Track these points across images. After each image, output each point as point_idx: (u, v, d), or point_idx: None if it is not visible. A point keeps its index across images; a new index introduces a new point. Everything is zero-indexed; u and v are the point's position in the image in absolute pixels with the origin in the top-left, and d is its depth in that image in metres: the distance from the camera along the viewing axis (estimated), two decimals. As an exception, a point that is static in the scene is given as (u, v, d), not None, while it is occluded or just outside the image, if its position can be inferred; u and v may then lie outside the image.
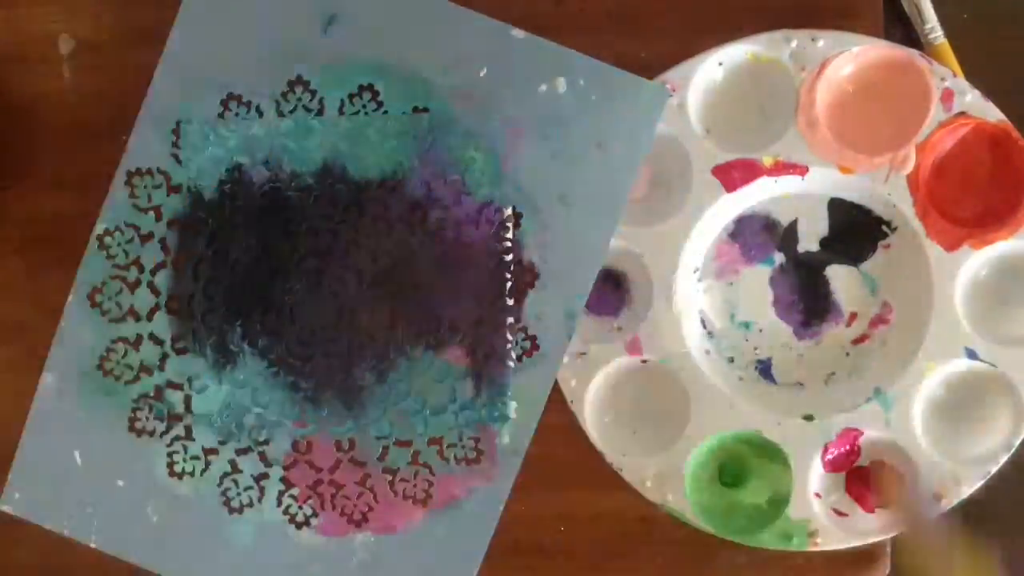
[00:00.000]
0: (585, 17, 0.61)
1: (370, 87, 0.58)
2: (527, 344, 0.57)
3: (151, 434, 0.59)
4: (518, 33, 0.57)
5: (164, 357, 0.59)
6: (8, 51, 0.63)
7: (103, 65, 0.62)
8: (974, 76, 0.59)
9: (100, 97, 0.62)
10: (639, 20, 0.61)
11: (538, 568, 0.62)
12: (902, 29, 0.61)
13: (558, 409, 0.58)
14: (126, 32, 0.62)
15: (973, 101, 0.56)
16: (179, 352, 0.59)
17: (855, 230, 0.58)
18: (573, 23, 0.61)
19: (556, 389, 0.58)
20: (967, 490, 0.56)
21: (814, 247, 0.59)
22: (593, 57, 0.58)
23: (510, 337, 0.57)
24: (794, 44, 0.56)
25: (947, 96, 0.56)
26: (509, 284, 0.57)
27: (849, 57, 0.56)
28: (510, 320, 0.57)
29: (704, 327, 0.59)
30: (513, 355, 0.58)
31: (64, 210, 0.62)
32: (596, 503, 0.61)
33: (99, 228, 0.60)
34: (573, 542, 0.62)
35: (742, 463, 0.59)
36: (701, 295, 0.59)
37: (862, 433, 0.57)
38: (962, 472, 0.56)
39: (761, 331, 0.59)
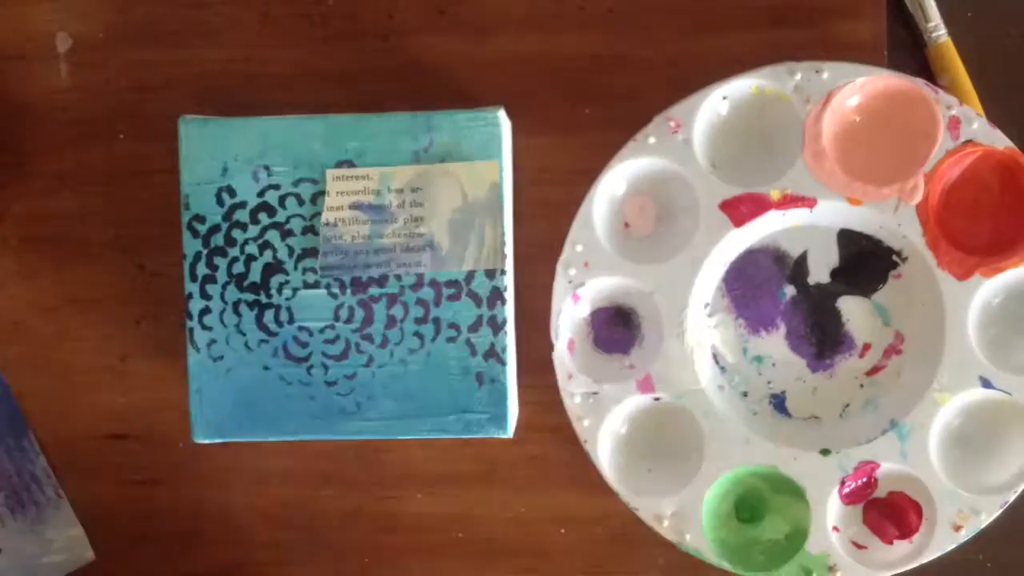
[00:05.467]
0: (585, 15, 0.61)
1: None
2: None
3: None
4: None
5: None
6: (5, 49, 0.63)
7: (101, 63, 0.63)
8: (977, 75, 0.59)
9: (97, 95, 0.63)
10: (640, 18, 0.61)
11: (539, 570, 0.62)
12: (905, 28, 0.60)
13: (557, 411, 0.58)
14: (124, 30, 0.63)
15: (980, 129, 0.55)
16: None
17: (866, 261, 0.58)
18: (573, 21, 0.61)
19: (555, 393, 0.58)
20: (986, 520, 0.56)
21: (825, 279, 0.59)
22: (592, 56, 0.60)
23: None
24: (798, 77, 0.56)
25: (954, 124, 0.56)
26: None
27: (854, 88, 0.56)
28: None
29: (717, 362, 0.59)
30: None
31: (61, 209, 0.63)
32: (596, 504, 0.61)
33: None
34: (573, 544, 0.62)
35: (759, 499, 0.58)
36: (712, 330, 0.59)
37: (879, 466, 0.57)
38: (980, 502, 0.56)
39: (774, 365, 0.59)
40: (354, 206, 0.57)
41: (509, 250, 0.58)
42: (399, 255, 0.57)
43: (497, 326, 0.58)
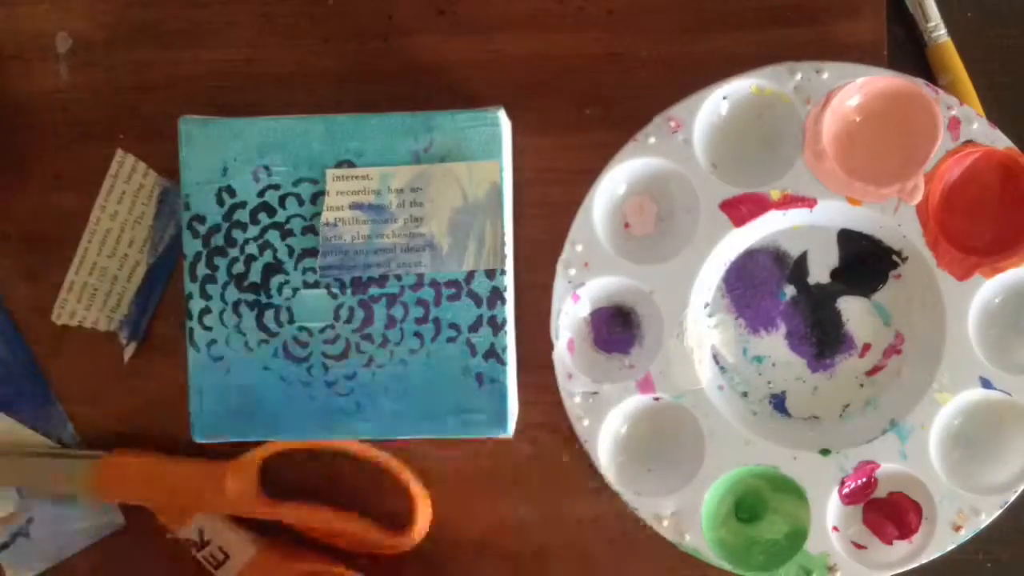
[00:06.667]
0: (585, 15, 0.61)
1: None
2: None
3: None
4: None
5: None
6: (5, 49, 0.63)
7: (100, 63, 0.63)
8: (977, 75, 0.59)
9: (97, 95, 0.63)
10: (640, 18, 0.61)
11: (539, 570, 0.62)
12: (905, 28, 0.60)
13: (557, 411, 0.58)
14: (124, 30, 0.63)
15: (980, 129, 0.56)
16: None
17: (866, 261, 0.58)
18: (573, 21, 0.61)
19: (555, 393, 0.58)
20: (985, 520, 0.56)
21: (825, 279, 0.59)
22: (592, 57, 0.60)
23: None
24: (799, 76, 0.56)
25: (954, 124, 0.56)
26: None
27: (854, 88, 0.56)
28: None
29: (716, 362, 0.59)
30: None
31: (61, 208, 0.63)
32: (596, 504, 0.61)
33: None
34: (574, 544, 0.62)
35: (759, 499, 0.58)
36: (712, 330, 0.59)
37: (879, 466, 0.57)
38: (980, 502, 0.56)
39: (774, 365, 0.59)
40: (354, 206, 0.57)
41: (509, 250, 0.58)
42: (399, 255, 0.57)
43: (497, 326, 0.57)
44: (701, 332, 0.58)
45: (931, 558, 0.56)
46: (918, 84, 0.56)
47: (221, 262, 0.58)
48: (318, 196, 0.58)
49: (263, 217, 0.58)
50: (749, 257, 0.59)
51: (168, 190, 0.62)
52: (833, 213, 0.57)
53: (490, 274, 0.57)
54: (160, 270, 0.62)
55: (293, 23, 0.62)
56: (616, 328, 0.59)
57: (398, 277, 0.58)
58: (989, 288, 0.56)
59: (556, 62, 0.61)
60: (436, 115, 0.57)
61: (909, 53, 0.61)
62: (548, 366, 0.58)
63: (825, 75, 0.56)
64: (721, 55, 0.60)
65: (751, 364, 0.59)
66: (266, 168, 0.58)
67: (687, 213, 0.57)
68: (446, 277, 0.57)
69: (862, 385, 0.59)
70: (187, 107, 0.61)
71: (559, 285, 0.57)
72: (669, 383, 0.57)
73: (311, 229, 0.58)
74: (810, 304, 0.59)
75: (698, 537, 0.57)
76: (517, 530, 0.62)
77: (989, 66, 0.60)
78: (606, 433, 0.57)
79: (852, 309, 0.59)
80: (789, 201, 0.56)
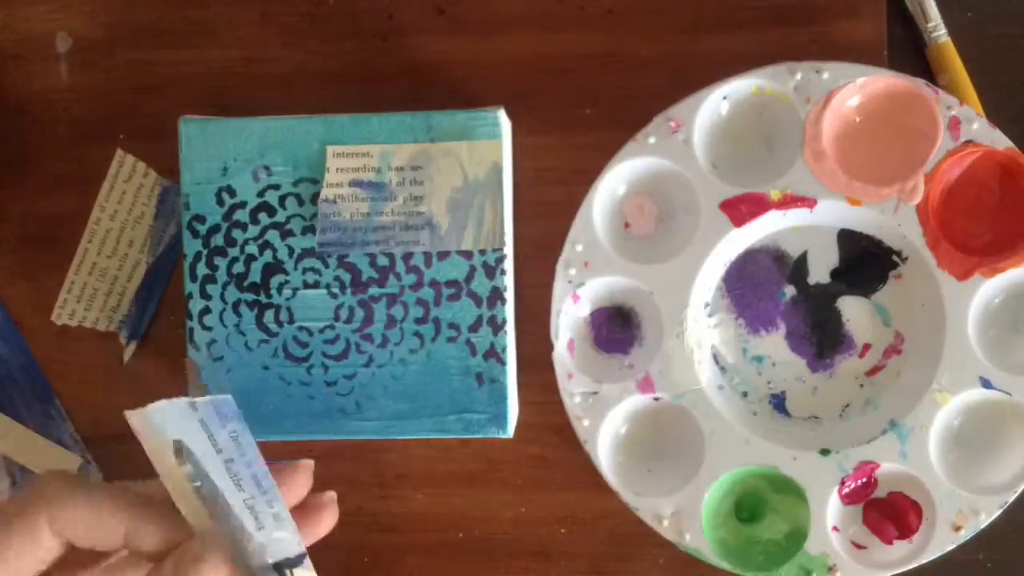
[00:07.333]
0: (585, 15, 0.61)
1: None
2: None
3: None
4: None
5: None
6: (5, 49, 0.63)
7: (100, 63, 0.63)
8: (977, 75, 0.59)
9: (97, 95, 0.63)
10: (640, 18, 0.61)
11: (539, 570, 0.62)
12: (905, 28, 0.60)
13: (558, 410, 0.58)
14: (124, 30, 0.63)
15: (980, 129, 0.55)
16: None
17: (866, 261, 0.58)
18: (573, 21, 0.61)
19: (555, 393, 0.58)
20: (985, 520, 0.56)
21: (825, 279, 0.59)
22: (592, 56, 0.60)
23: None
24: (799, 76, 0.56)
25: (954, 124, 0.56)
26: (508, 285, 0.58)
27: (855, 88, 0.56)
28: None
29: (716, 362, 0.59)
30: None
31: (61, 209, 0.63)
32: (597, 504, 0.61)
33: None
34: (574, 544, 0.62)
35: (759, 499, 0.58)
36: (712, 330, 0.59)
37: (879, 466, 0.57)
38: (980, 502, 0.56)
39: (774, 365, 0.59)
40: (353, 183, 0.57)
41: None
42: (398, 233, 0.57)
43: (497, 326, 0.58)
44: (701, 332, 0.58)
45: (931, 558, 0.56)
46: (918, 84, 0.56)
47: (221, 262, 0.58)
48: (318, 196, 0.58)
49: (263, 217, 0.58)
50: (749, 257, 0.59)
51: (168, 190, 0.62)
52: (833, 213, 0.57)
53: (490, 274, 0.57)
54: (160, 270, 0.62)
55: (293, 23, 0.62)
56: (616, 328, 0.59)
57: (398, 277, 0.58)
58: (989, 288, 0.56)
59: (556, 62, 0.61)
60: (436, 115, 0.57)
61: (909, 53, 0.61)
62: (548, 366, 0.58)
63: (825, 75, 0.56)
64: (721, 55, 0.60)
65: (751, 364, 0.59)
66: (266, 168, 0.58)
67: (687, 213, 0.57)
68: (446, 277, 0.57)
69: (862, 385, 0.59)
70: (187, 107, 0.61)
71: (559, 285, 0.57)
72: (669, 383, 0.57)
73: (311, 229, 0.58)
74: (810, 304, 0.59)
75: (698, 537, 0.57)
76: (517, 530, 0.62)
77: (989, 66, 0.60)
78: (606, 433, 0.57)
79: (852, 309, 0.59)
80: (789, 201, 0.56)
